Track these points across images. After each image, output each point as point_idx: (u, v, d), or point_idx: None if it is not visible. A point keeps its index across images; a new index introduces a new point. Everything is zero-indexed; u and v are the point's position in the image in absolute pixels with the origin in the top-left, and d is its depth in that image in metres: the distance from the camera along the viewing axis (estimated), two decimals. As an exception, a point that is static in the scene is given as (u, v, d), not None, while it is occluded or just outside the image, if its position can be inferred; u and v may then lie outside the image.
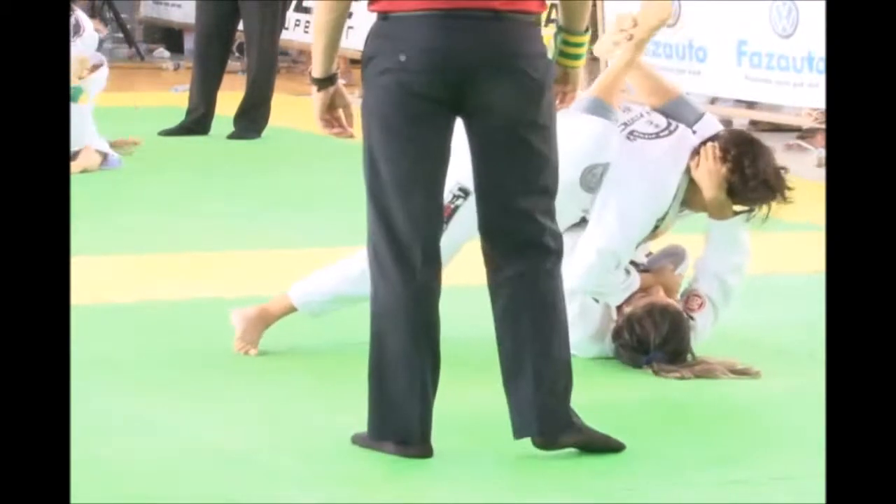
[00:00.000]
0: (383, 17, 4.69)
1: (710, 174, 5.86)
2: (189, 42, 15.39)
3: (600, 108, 5.81)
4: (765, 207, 6.06)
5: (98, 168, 10.26)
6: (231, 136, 11.57)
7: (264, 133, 11.75)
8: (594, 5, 5.32)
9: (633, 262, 5.97)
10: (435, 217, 4.77)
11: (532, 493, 4.70)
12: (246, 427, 5.22)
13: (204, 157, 11.27)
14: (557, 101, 4.82)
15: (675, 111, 5.93)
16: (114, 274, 7.64)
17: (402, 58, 4.65)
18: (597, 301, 5.95)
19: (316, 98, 4.88)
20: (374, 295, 4.79)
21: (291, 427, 5.20)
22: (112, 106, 10.33)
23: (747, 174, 5.89)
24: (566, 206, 5.56)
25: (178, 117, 12.04)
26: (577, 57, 4.84)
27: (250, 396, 5.58)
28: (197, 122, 11.53)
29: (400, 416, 4.78)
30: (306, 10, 14.05)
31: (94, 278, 7.33)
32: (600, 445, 4.82)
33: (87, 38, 10.42)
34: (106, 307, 6.76)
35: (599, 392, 5.27)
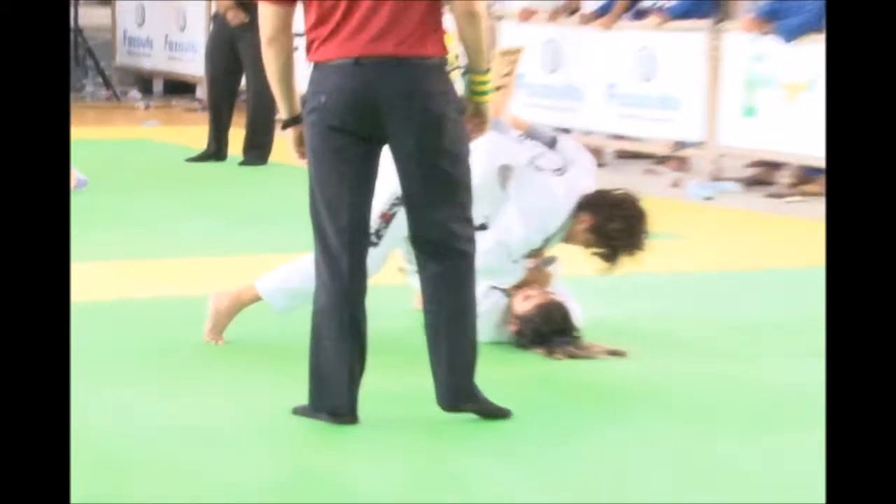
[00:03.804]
0: (314, 66, 4.71)
1: (583, 240, 5.98)
2: (159, 86, 15.34)
3: (496, 124, 5.84)
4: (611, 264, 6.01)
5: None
6: (242, 164, 11.26)
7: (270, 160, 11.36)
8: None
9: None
10: (360, 231, 4.76)
11: (435, 450, 4.77)
12: (212, 406, 5.13)
13: (213, 179, 10.94)
14: (471, 131, 4.80)
15: (535, 135, 5.99)
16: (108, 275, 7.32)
17: (323, 98, 4.66)
18: (503, 292, 6.00)
19: (288, 135, 4.93)
20: (315, 296, 4.85)
21: (250, 403, 5.11)
22: (92, 138, 10.14)
23: (610, 242, 5.90)
24: (483, 201, 5.62)
25: (148, 148, 11.68)
26: (482, 93, 4.78)
27: (216, 380, 5.45)
28: (214, 154, 11.34)
29: (332, 393, 4.78)
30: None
31: (89, 280, 7.10)
32: (493, 412, 4.84)
33: None
34: (90, 304, 6.53)
35: (496, 369, 5.28)
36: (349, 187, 4.73)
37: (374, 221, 5.68)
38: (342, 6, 4.61)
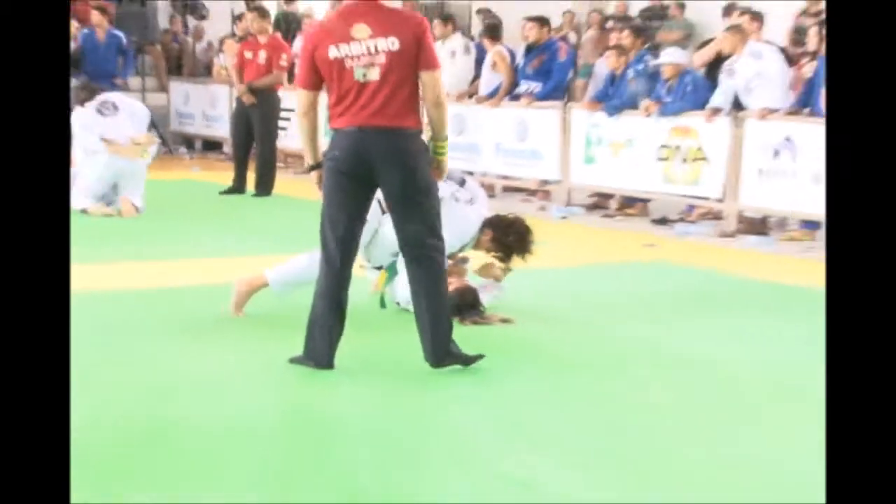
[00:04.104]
0: (334, 131, 4.67)
1: (487, 248, 5.99)
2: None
3: None
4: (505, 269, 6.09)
5: (134, 216, 9.24)
6: (255, 196, 10.91)
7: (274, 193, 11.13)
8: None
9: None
10: (351, 242, 4.74)
11: (396, 389, 4.67)
12: (227, 359, 5.04)
13: (236, 206, 10.58)
14: (434, 176, 4.74)
15: (452, 177, 5.94)
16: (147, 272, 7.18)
17: (337, 153, 4.65)
18: None
19: (311, 177, 4.91)
20: (317, 283, 4.79)
21: (256, 357, 5.02)
22: (155, 180, 9.92)
23: (505, 250, 5.96)
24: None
25: (192, 186, 11.53)
26: (442, 153, 4.72)
27: (231, 341, 5.32)
28: (237, 189, 11.04)
29: (317, 349, 4.76)
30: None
31: (145, 273, 7.08)
32: (470, 361, 4.80)
33: (137, 119, 9.60)
34: (145, 290, 6.50)
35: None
36: (347, 213, 4.70)
37: None
38: (352, 92, 4.58)
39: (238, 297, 5.73)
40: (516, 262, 6.04)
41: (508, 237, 5.93)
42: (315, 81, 4.69)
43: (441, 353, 4.77)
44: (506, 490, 3.51)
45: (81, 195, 9.14)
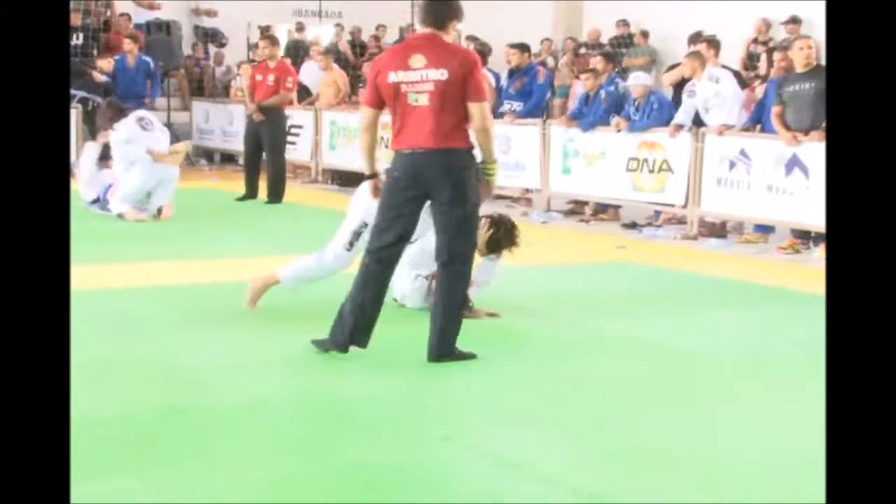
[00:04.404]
0: (395, 152, 4.70)
1: (482, 234, 5.79)
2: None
3: None
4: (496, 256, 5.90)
5: (169, 219, 9.18)
6: (266, 203, 10.68)
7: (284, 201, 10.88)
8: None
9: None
10: (398, 245, 4.76)
11: (399, 371, 4.67)
12: (244, 346, 5.03)
13: (249, 211, 10.41)
14: (483, 195, 4.73)
15: None
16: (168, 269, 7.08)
17: (396, 173, 4.69)
18: (425, 278, 5.74)
19: (368, 184, 4.99)
20: (356, 279, 4.77)
21: (269, 346, 4.98)
22: (180, 188, 9.71)
23: (495, 238, 5.75)
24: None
25: (212, 193, 11.37)
26: (491, 174, 4.69)
27: (247, 331, 5.29)
28: (250, 196, 10.82)
29: (344, 332, 4.74)
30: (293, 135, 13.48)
31: (170, 272, 6.99)
32: (462, 357, 4.75)
33: (165, 133, 9.50)
34: (170, 287, 6.44)
35: (423, 324, 5.08)
36: (401, 227, 4.71)
37: (347, 236, 5.58)
38: (406, 116, 4.61)
39: (252, 293, 5.65)
40: (505, 254, 5.92)
41: (499, 232, 5.82)
42: (376, 101, 4.70)
43: (443, 350, 4.73)
44: (496, 469, 3.47)
45: (120, 201, 9.11)
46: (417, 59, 4.58)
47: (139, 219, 9.07)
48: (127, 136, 9.08)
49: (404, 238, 4.80)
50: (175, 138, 14.50)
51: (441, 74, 4.53)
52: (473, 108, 4.56)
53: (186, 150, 9.53)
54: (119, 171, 9.18)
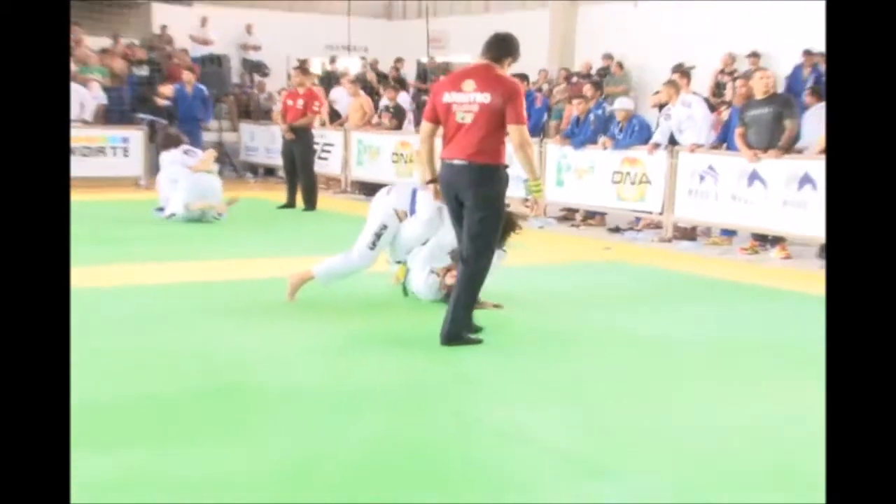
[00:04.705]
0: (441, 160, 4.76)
1: None
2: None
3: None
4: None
5: (224, 215, 9.35)
6: (304, 210, 10.66)
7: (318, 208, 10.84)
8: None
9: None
10: (462, 238, 4.73)
11: (413, 361, 4.58)
12: (280, 335, 4.96)
13: (288, 217, 10.33)
14: (532, 210, 4.77)
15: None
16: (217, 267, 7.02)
17: (438, 178, 4.78)
18: (436, 274, 5.74)
19: (429, 189, 4.98)
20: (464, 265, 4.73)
21: (303, 334, 4.95)
22: (225, 197, 9.69)
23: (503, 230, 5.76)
24: (431, 227, 5.58)
25: (256, 202, 11.29)
26: (536, 191, 4.66)
27: (285, 321, 5.21)
28: (289, 205, 10.84)
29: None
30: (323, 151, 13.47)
31: (219, 269, 6.94)
32: (470, 342, 4.76)
33: (195, 155, 9.65)
34: (217, 283, 6.37)
35: (438, 313, 5.08)
36: (456, 219, 4.73)
37: (370, 237, 5.55)
38: (454, 131, 4.59)
39: (292, 287, 5.62)
40: (508, 240, 5.78)
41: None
42: (433, 117, 4.71)
43: (452, 335, 4.72)
44: (498, 439, 3.45)
45: (173, 206, 9.31)
46: (468, 84, 4.57)
47: (203, 206, 9.18)
48: (173, 159, 9.50)
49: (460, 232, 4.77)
50: (225, 155, 14.74)
51: (486, 98, 4.50)
52: (512, 130, 4.51)
53: (213, 156, 9.80)
54: (163, 185, 9.53)
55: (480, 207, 4.55)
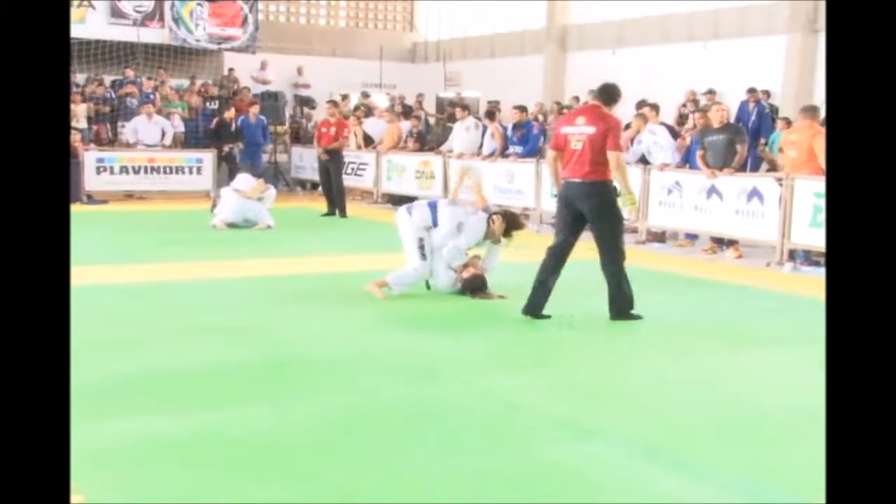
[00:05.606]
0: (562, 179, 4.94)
1: (498, 226, 5.70)
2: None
3: (459, 205, 5.74)
4: (510, 240, 5.81)
5: (265, 230, 9.09)
6: (340, 217, 10.52)
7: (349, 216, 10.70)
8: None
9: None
10: (565, 243, 4.93)
11: (428, 337, 4.61)
12: (327, 318, 4.95)
13: (329, 224, 10.17)
14: (627, 213, 4.99)
15: (486, 209, 5.81)
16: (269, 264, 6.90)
17: (559, 192, 4.97)
18: (454, 270, 5.69)
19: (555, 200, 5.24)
20: (543, 261, 5.00)
21: (343, 320, 4.92)
22: (283, 207, 9.82)
23: (507, 226, 5.71)
24: (451, 232, 5.58)
25: (303, 211, 11.22)
26: (632, 203, 4.87)
27: (332, 311, 5.11)
28: (330, 213, 10.70)
29: (537, 303, 4.98)
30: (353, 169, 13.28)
31: (271, 267, 6.82)
32: (635, 318, 4.98)
33: (246, 181, 9.42)
34: (273, 277, 6.29)
35: (454, 303, 5.11)
36: (563, 227, 4.95)
37: (416, 251, 5.55)
38: (570, 155, 4.81)
39: (374, 291, 5.55)
40: (515, 234, 5.81)
41: (508, 221, 5.76)
42: (557, 146, 4.94)
43: (618, 312, 4.91)
44: (497, 404, 3.48)
45: (218, 219, 9.17)
46: (580, 119, 4.87)
47: (259, 193, 9.11)
48: (234, 185, 9.49)
49: (567, 241, 4.94)
50: (280, 173, 14.71)
51: (591, 130, 4.78)
52: (610, 155, 4.76)
53: (263, 189, 9.51)
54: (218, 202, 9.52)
55: (601, 217, 4.80)
